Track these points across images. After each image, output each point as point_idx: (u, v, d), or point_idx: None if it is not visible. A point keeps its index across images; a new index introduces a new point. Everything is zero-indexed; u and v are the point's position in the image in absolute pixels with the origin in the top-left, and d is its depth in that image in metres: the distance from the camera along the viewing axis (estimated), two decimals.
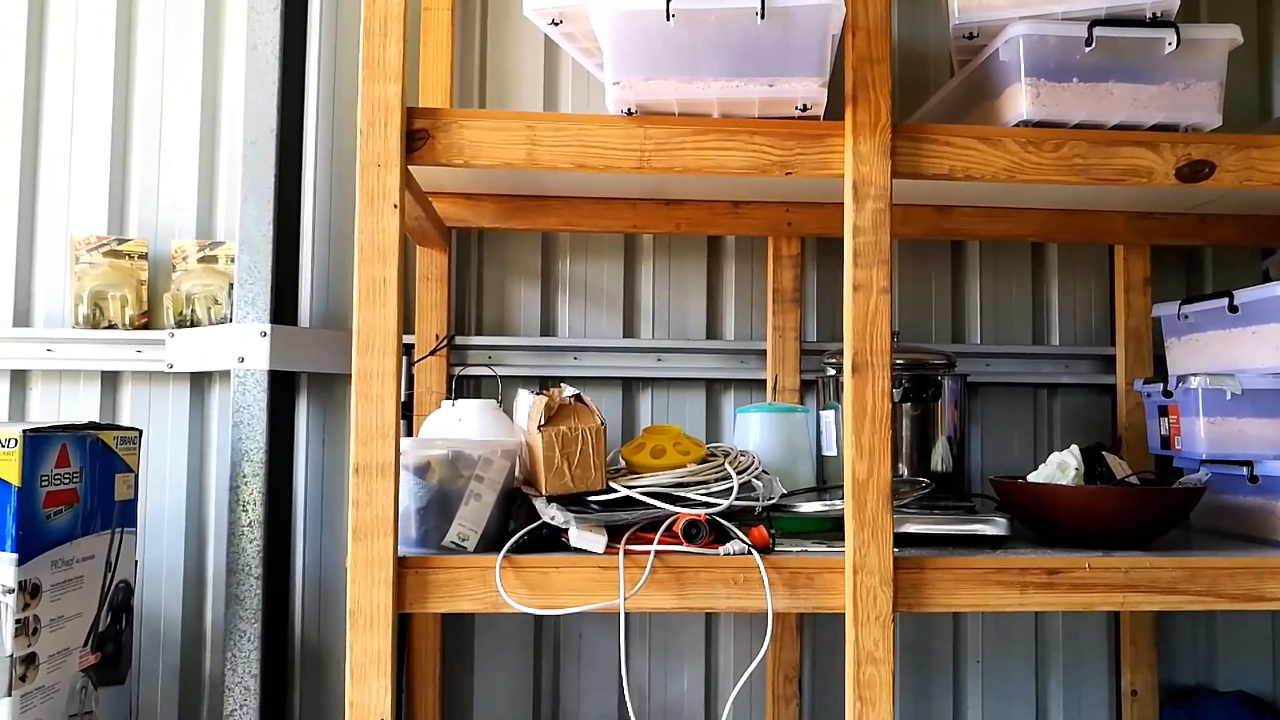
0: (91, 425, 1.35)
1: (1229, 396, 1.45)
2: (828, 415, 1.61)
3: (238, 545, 1.58)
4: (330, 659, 1.71)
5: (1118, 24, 1.27)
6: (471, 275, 1.78)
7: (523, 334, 1.78)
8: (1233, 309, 1.47)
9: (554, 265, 1.80)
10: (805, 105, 1.23)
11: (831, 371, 1.61)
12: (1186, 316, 1.58)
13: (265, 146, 1.62)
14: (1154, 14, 1.27)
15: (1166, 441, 1.57)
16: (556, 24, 1.34)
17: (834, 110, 1.26)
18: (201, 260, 1.71)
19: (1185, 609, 1.26)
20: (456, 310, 1.77)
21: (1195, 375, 1.48)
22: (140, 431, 1.47)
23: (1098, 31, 1.27)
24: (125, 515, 1.42)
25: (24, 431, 1.21)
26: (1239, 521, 1.46)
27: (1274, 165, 1.31)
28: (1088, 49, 1.28)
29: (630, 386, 1.79)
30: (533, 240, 1.79)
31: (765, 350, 1.76)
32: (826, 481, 1.62)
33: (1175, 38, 1.27)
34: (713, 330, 1.82)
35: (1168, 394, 1.54)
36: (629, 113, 1.25)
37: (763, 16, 1.18)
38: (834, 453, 1.60)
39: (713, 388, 1.81)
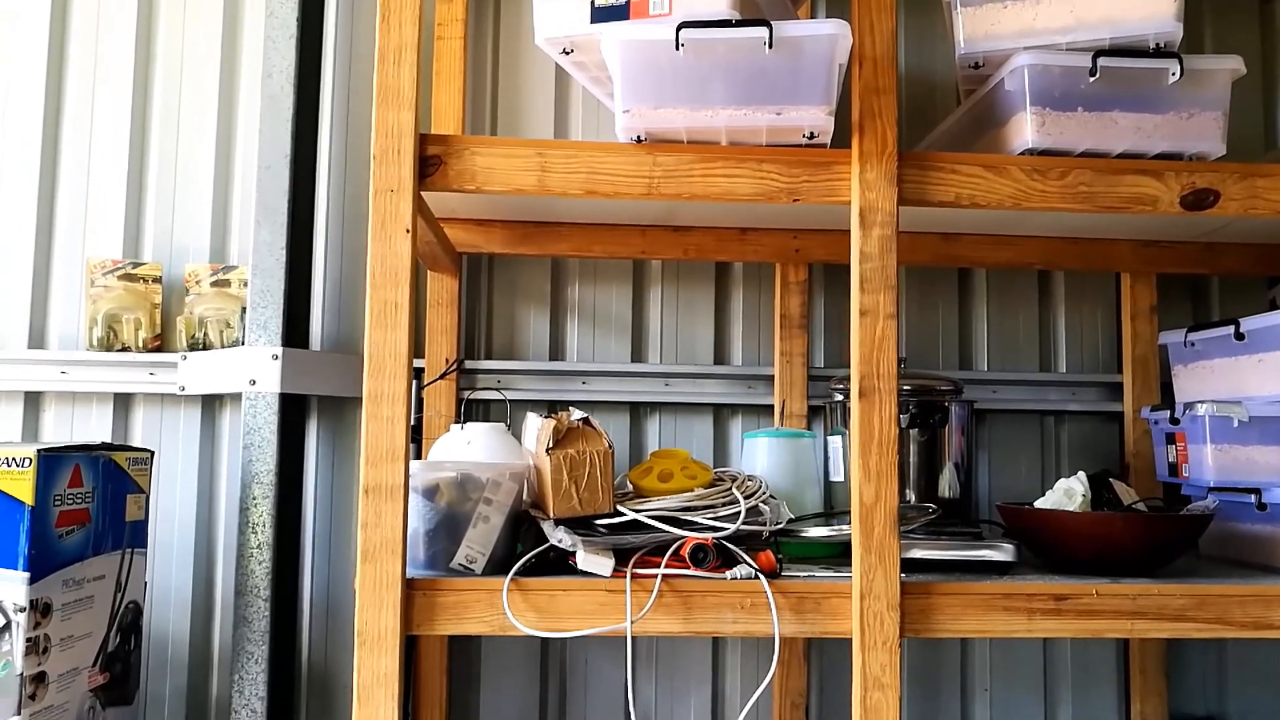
0: (104, 446, 1.37)
1: (1236, 424, 1.45)
2: (835, 441, 1.62)
3: (247, 567, 1.59)
4: (337, 681, 1.72)
5: (1121, 54, 1.29)
6: (481, 300, 1.80)
7: (532, 358, 1.79)
8: (1239, 337, 1.47)
9: (563, 290, 1.82)
10: (812, 133, 1.25)
11: (839, 397, 1.62)
12: (1193, 344, 1.58)
13: (279, 172, 1.65)
14: (1157, 45, 1.28)
15: (1174, 469, 1.57)
16: (568, 53, 1.36)
17: (841, 138, 1.28)
18: (215, 284, 1.73)
19: (1194, 636, 1.26)
20: (466, 334, 1.78)
21: (1202, 402, 1.48)
22: (152, 453, 1.48)
23: (1101, 62, 1.28)
24: (136, 536, 1.43)
25: (38, 451, 1.22)
26: (1247, 549, 1.46)
27: (1278, 194, 1.32)
28: (1092, 79, 1.29)
29: (638, 411, 1.80)
30: (542, 265, 1.81)
31: (773, 376, 1.76)
32: (834, 507, 1.62)
33: (1179, 68, 1.28)
34: (720, 356, 1.83)
35: (1175, 421, 1.55)
36: (638, 140, 1.26)
37: (770, 46, 1.19)
38: (841, 478, 1.60)
39: (720, 413, 1.81)
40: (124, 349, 1.71)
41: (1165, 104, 1.31)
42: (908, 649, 1.78)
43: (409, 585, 1.20)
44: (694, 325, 1.82)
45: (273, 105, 1.66)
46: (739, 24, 1.20)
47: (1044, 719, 1.79)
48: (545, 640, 1.74)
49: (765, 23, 1.20)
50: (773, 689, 1.73)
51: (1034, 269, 1.84)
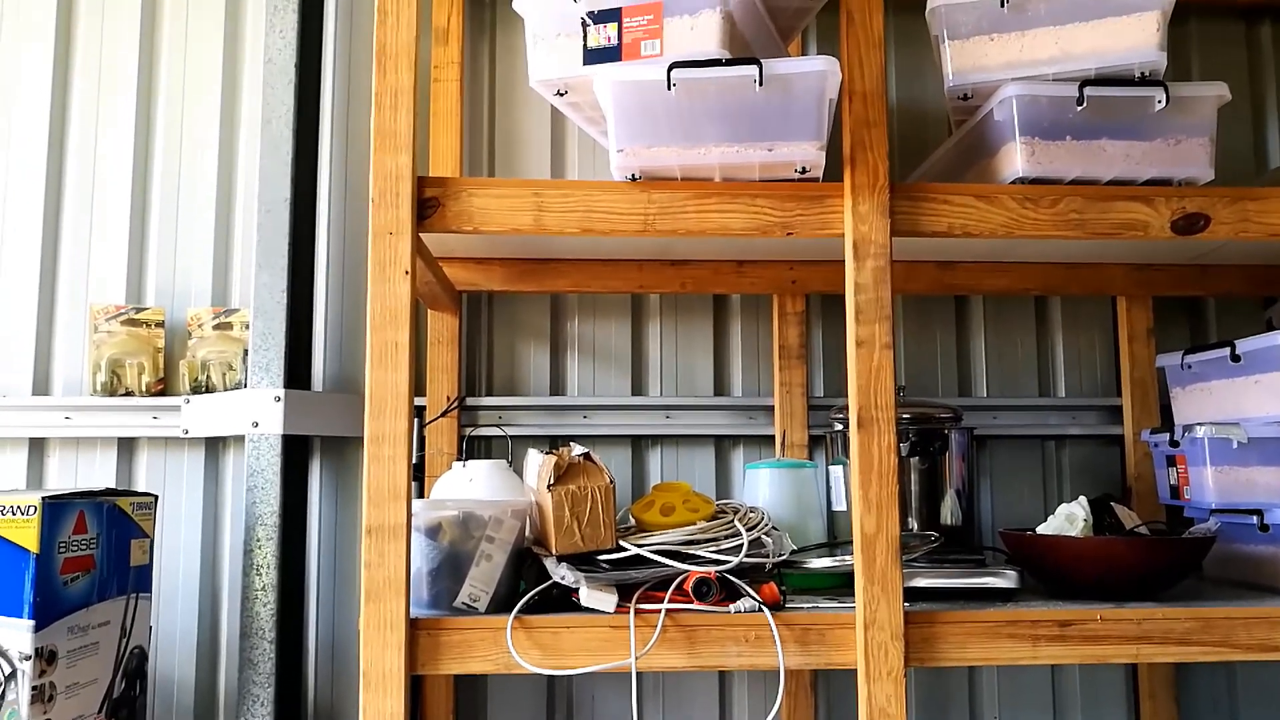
0: (109, 492, 1.37)
1: (1235, 445, 1.46)
2: (836, 470, 1.62)
3: (251, 609, 1.59)
4: None
5: (1107, 83, 1.31)
6: (482, 337, 1.81)
7: (532, 394, 1.80)
8: (1235, 358, 1.48)
9: (562, 326, 1.83)
10: (804, 168, 1.26)
11: (839, 427, 1.62)
12: (1190, 366, 1.59)
13: (279, 215, 1.67)
14: (1142, 73, 1.30)
15: (1176, 491, 1.57)
16: (562, 94, 1.38)
17: (833, 171, 1.30)
18: (217, 327, 1.74)
19: (1200, 660, 1.25)
20: (467, 372, 1.79)
21: (1201, 425, 1.48)
22: (156, 497, 1.49)
23: (1088, 91, 1.30)
24: (141, 581, 1.43)
25: (43, 499, 1.23)
26: (1251, 571, 1.46)
27: (1269, 217, 1.33)
28: (1079, 108, 1.31)
29: (639, 444, 1.81)
30: (541, 302, 1.82)
31: (773, 406, 1.77)
32: (837, 537, 1.62)
33: (1164, 96, 1.30)
34: (720, 387, 1.84)
35: (1174, 444, 1.55)
36: (633, 178, 1.28)
37: (761, 84, 1.21)
38: (844, 508, 1.61)
39: (722, 444, 1.82)
40: (127, 393, 1.72)
41: (1153, 131, 1.33)
42: (915, 678, 1.78)
43: (413, 625, 1.20)
44: (693, 357, 1.83)
45: (272, 149, 1.68)
46: (729, 63, 1.22)
47: None
48: (551, 677, 1.73)
49: (755, 61, 1.22)
50: None
51: (1030, 295, 1.85)
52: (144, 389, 1.72)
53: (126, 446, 1.74)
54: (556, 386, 1.81)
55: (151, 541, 1.47)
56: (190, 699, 1.69)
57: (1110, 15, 1.29)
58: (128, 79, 1.81)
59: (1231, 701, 1.80)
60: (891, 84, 1.90)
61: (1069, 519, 1.41)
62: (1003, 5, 1.34)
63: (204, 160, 1.81)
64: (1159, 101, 1.31)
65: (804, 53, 1.87)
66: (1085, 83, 1.30)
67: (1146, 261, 1.75)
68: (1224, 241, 1.39)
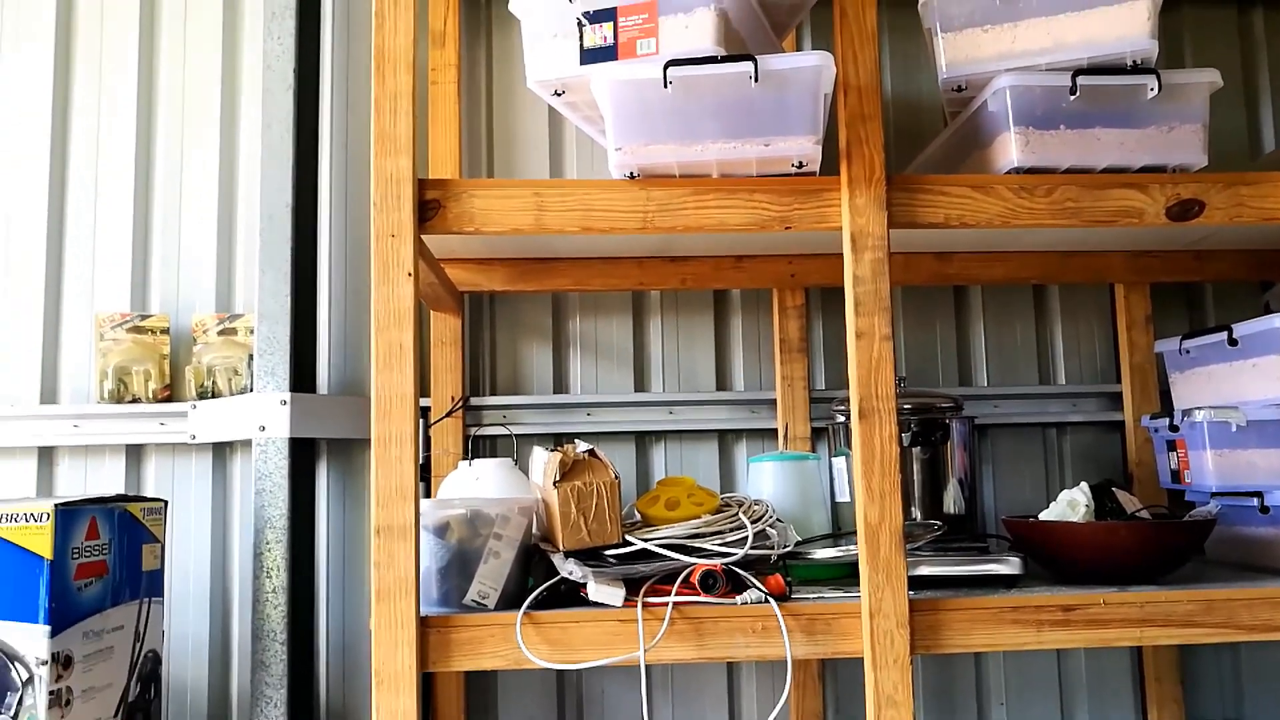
0: (120, 498, 1.39)
1: (1234, 429, 1.47)
2: (839, 462, 1.63)
3: (262, 611, 1.60)
4: None
5: (1099, 72, 1.32)
6: (485, 337, 1.82)
7: (536, 392, 1.81)
8: (1232, 342, 1.49)
9: (564, 324, 1.84)
10: (801, 162, 1.27)
11: (841, 418, 1.63)
12: (1188, 351, 1.60)
13: (281, 220, 1.68)
14: (1134, 61, 1.31)
15: (1176, 475, 1.58)
16: (559, 94, 1.39)
17: (830, 165, 1.31)
18: (222, 333, 1.75)
19: (1203, 641, 1.27)
20: (471, 372, 1.81)
21: (1200, 409, 1.50)
22: (166, 503, 1.50)
23: (1081, 80, 1.31)
24: (153, 585, 1.45)
25: (55, 506, 1.24)
26: (1253, 552, 1.47)
27: (1263, 201, 1.34)
28: (1072, 97, 1.32)
29: (643, 440, 1.82)
30: (543, 301, 1.83)
31: (775, 400, 1.78)
32: (841, 527, 1.64)
33: (1156, 83, 1.31)
34: (722, 382, 1.85)
35: (1174, 428, 1.56)
36: (631, 176, 1.29)
37: (756, 80, 1.23)
38: (847, 499, 1.62)
39: (725, 438, 1.83)
40: (134, 400, 1.73)
41: (1146, 119, 1.34)
42: (922, 665, 1.79)
43: (423, 623, 1.21)
44: (695, 353, 1.85)
45: (273, 155, 1.69)
46: (724, 60, 1.23)
47: None
48: (561, 671, 1.75)
49: (750, 57, 1.23)
50: (789, 711, 1.73)
51: (1029, 284, 1.86)
52: (151, 396, 1.74)
53: (135, 453, 1.76)
54: (560, 385, 1.83)
55: (163, 546, 1.48)
56: (204, 702, 1.71)
57: (1101, 4, 1.30)
58: (127, 87, 1.83)
59: (1236, 683, 1.81)
60: (887, 76, 1.91)
61: (1071, 505, 1.42)
62: None
63: (205, 166, 1.82)
64: (1151, 89, 1.32)
65: (799, 48, 1.88)
66: (1078, 72, 1.32)
67: (1143, 248, 1.76)
68: (1219, 227, 1.40)
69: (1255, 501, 1.43)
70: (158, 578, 1.46)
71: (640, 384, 1.84)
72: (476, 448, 1.78)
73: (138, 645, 1.40)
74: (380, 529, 1.20)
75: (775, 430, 1.80)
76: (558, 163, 1.86)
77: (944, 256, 1.76)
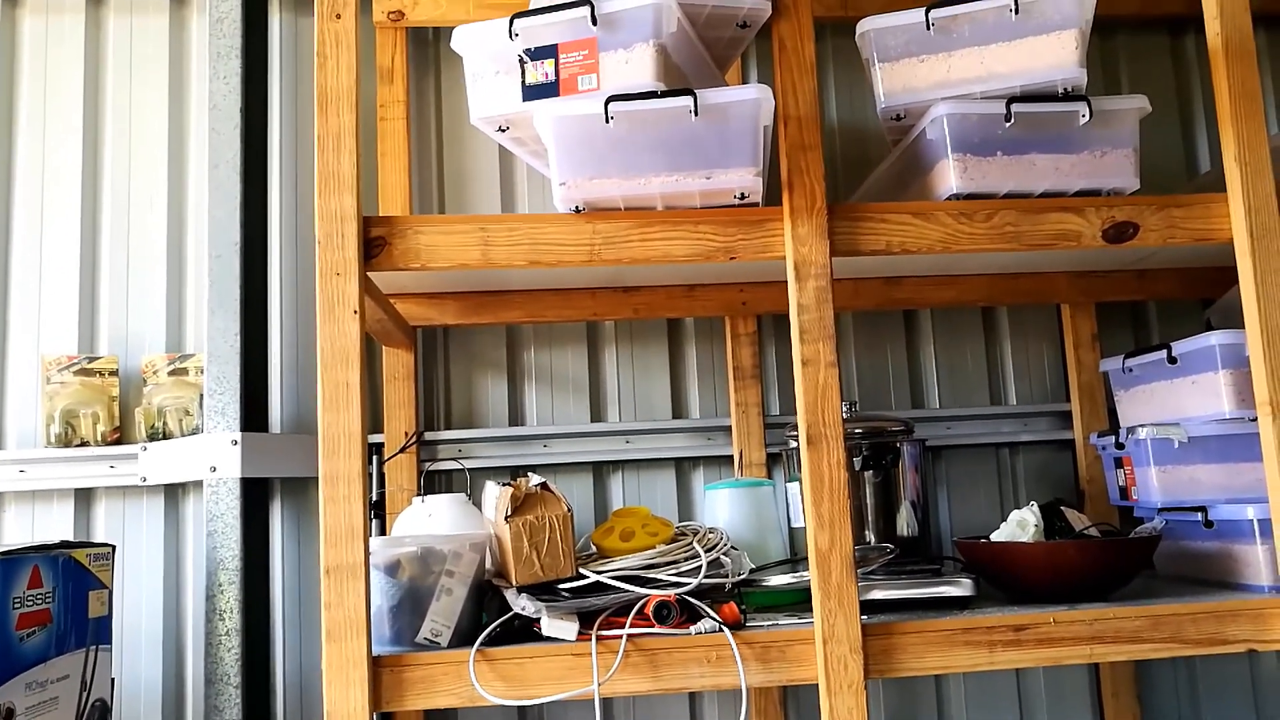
0: (63, 544, 1.36)
1: (1177, 445, 1.49)
2: (794, 487, 1.64)
3: (216, 654, 1.58)
4: None
5: (1033, 100, 1.35)
6: (439, 371, 1.82)
7: (492, 425, 1.81)
8: (1172, 360, 1.52)
9: (519, 356, 1.84)
10: (743, 194, 1.29)
11: (794, 444, 1.64)
12: (1131, 370, 1.63)
13: (229, 260, 1.67)
14: (1065, 89, 1.35)
15: (1124, 492, 1.61)
16: (503, 130, 1.40)
17: (774, 195, 1.32)
18: (172, 373, 1.74)
19: (1151, 656, 1.28)
20: (425, 406, 1.80)
21: (1143, 426, 1.52)
22: (114, 547, 1.47)
23: (1015, 108, 1.34)
24: (100, 632, 1.42)
25: None
26: (1200, 566, 1.49)
27: (1194, 222, 1.38)
28: (1008, 124, 1.35)
29: (600, 470, 1.82)
30: (497, 333, 1.83)
31: (730, 427, 1.79)
32: (797, 553, 1.64)
33: (1088, 110, 1.35)
34: (678, 410, 1.85)
35: (1120, 446, 1.59)
36: (577, 210, 1.30)
37: (696, 114, 1.24)
38: (803, 524, 1.62)
39: (682, 466, 1.84)
40: (83, 444, 1.71)
41: (1079, 144, 1.37)
42: (884, 689, 1.79)
43: (375, 663, 1.20)
44: (650, 382, 1.85)
45: (220, 194, 1.69)
46: (665, 94, 1.25)
47: None
48: (523, 707, 1.73)
49: (690, 91, 1.24)
50: None
51: (977, 306, 1.89)
52: (100, 439, 1.71)
53: (84, 497, 1.73)
54: (515, 417, 1.82)
55: (110, 592, 1.46)
56: None
57: (1030, 35, 1.33)
58: (73, 125, 1.81)
59: (1193, 694, 1.83)
60: (832, 105, 1.94)
61: (1020, 525, 1.43)
62: (929, 28, 1.38)
63: (154, 205, 1.81)
64: (1083, 115, 1.35)
65: (745, 78, 1.91)
66: (1012, 100, 1.35)
67: (1087, 269, 1.80)
68: (1154, 249, 1.44)
69: (1199, 516, 1.45)
70: (105, 624, 1.43)
71: (596, 414, 1.84)
72: (431, 483, 1.77)
73: (84, 694, 1.37)
74: (330, 569, 1.19)
75: (731, 457, 1.81)
76: (509, 197, 1.87)
77: (893, 281, 1.79)
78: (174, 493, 1.75)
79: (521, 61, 1.30)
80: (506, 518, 1.25)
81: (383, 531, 1.68)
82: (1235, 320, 1.46)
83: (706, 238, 1.30)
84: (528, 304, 1.74)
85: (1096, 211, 1.36)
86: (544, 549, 1.26)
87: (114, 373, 1.74)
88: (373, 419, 1.74)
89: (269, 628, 1.69)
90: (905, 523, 1.58)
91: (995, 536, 1.44)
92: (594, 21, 1.26)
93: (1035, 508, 1.45)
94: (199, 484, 1.72)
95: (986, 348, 1.92)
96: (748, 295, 1.77)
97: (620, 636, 1.23)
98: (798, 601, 1.47)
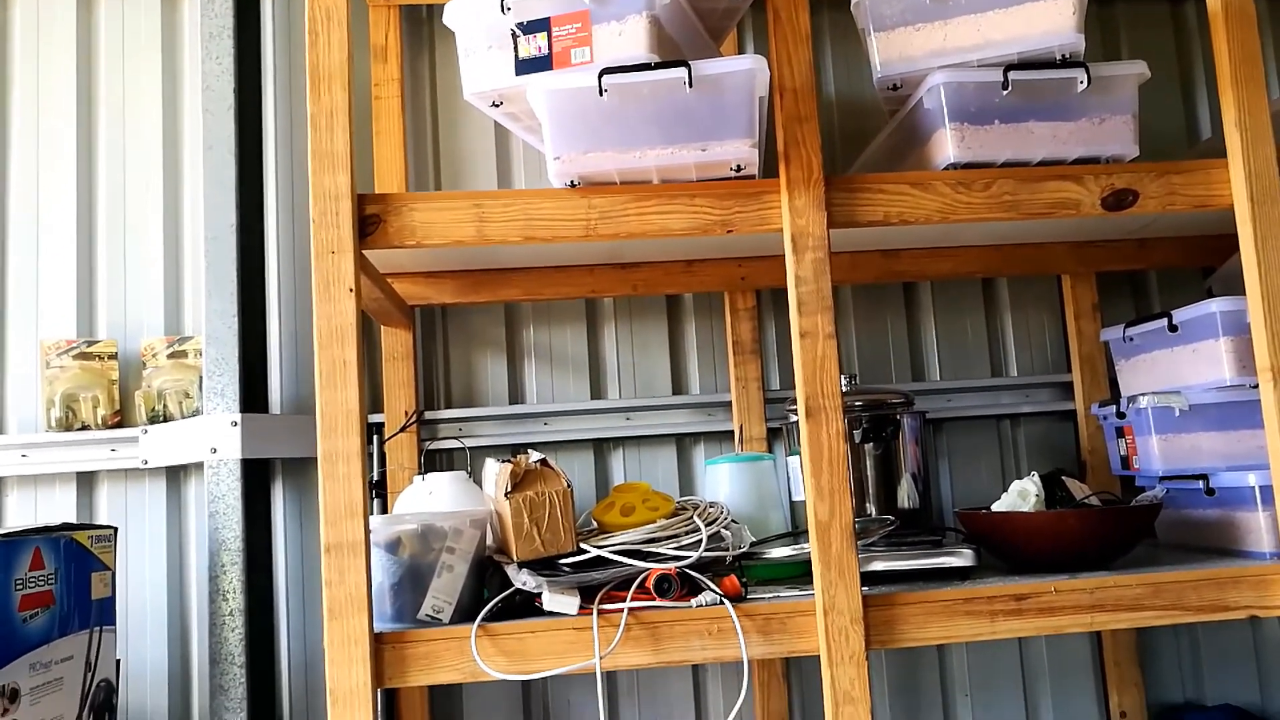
0: (65, 526, 1.37)
1: (1177, 413, 1.49)
2: (794, 461, 1.64)
3: (220, 635, 1.59)
4: None
5: (1030, 67, 1.34)
6: (438, 350, 1.82)
7: (492, 404, 1.81)
8: (1173, 328, 1.51)
9: (518, 334, 1.84)
10: (739, 166, 1.28)
11: (794, 418, 1.64)
12: (1132, 339, 1.62)
13: (226, 241, 1.66)
14: (1062, 56, 1.33)
15: (1126, 461, 1.60)
16: (497, 105, 1.39)
17: (771, 167, 1.32)
18: (171, 356, 1.74)
19: (1152, 624, 1.28)
20: (425, 385, 1.80)
21: (1144, 395, 1.52)
22: (115, 529, 1.48)
23: (1012, 75, 1.33)
24: (103, 614, 1.43)
25: None
26: (1201, 534, 1.49)
27: (1194, 189, 1.37)
28: (1005, 92, 1.34)
29: (601, 447, 1.82)
30: (496, 312, 1.83)
31: (730, 402, 1.79)
32: (798, 526, 1.64)
33: (1086, 76, 1.33)
34: (678, 386, 1.85)
35: (1121, 415, 1.58)
36: (572, 185, 1.29)
37: (690, 85, 1.23)
38: (803, 497, 1.62)
39: (682, 442, 1.84)
40: (84, 427, 1.71)
41: (1077, 111, 1.36)
42: (887, 660, 1.80)
43: (377, 639, 1.21)
44: (650, 358, 1.85)
45: (216, 176, 1.68)
46: (658, 66, 1.24)
47: (1025, 718, 1.81)
48: (526, 682, 1.74)
49: (684, 63, 1.23)
50: (756, 712, 1.74)
51: (977, 277, 1.88)
52: (100, 422, 1.71)
53: (86, 480, 1.74)
54: (515, 395, 1.82)
55: (113, 574, 1.46)
56: None
57: (1027, 1, 1.32)
58: (67, 110, 1.81)
59: (1196, 664, 1.84)
60: (830, 77, 1.92)
61: (1021, 495, 1.43)
62: None
63: (149, 187, 1.81)
64: (1081, 82, 1.34)
65: (741, 50, 1.90)
66: (1009, 67, 1.33)
67: (1086, 239, 1.79)
68: (1154, 216, 1.43)
69: (1200, 484, 1.45)
70: (109, 606, 1.44)
71: (597, 391, 1.84)
72: (432, 462, 1.77)
73: (89, 675, 1.38)
74: (330, 546, 1.19)
75: (732, 432, 1.80)
76: (505, 175, 1.86)
77: (892, 253, 1.78)
78: (175, 475, 1.75)
79: (514, 35, 1.29)
80: (507, 494, 1.25)
81: (384, 511, 1.69)
82: (1236, 289, 1.45)
83: (703, 211, 1.30)
84: (526, 282, 1.74)
85: (1095, 179, 1.35)
86: (544, 524, 1.26)
87: (113, 356, 1.74)
88: (373, 399, 1.74)
89: (272, 607, 1.70)
90: (906, 495, 1.58)
91: (996, 507, 1.44)
92: None
93: (1036, 478, 1.45)
94: (200, 466, 1.73)
95: (987, 319, 1.91)
96: (746, 270, 1.76)
97: (621, 610, 1.23)
98: (799, 574, 1.47)
